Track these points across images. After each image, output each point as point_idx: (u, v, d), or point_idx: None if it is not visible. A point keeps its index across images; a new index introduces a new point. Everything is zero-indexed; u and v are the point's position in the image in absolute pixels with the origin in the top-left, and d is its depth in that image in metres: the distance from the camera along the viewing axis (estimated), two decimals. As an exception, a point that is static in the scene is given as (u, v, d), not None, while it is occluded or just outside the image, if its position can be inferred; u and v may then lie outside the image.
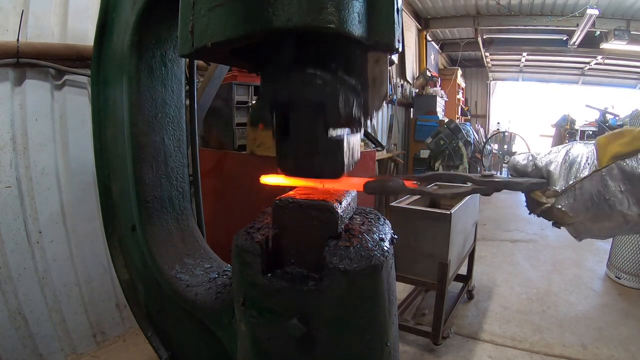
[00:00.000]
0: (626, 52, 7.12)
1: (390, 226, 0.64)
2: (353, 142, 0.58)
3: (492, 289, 2.88)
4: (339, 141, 0.53)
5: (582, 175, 0.49)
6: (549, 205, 0.52)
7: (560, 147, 0.55)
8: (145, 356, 1.95)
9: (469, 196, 2.25)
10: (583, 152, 0.51)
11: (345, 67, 0.52)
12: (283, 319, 0.53)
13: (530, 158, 0.56)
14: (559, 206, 0.51)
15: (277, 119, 0.54)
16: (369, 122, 0.57)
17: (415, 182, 0.58)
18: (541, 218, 0.58)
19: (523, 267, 3.34)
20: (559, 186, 0.51)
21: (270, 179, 0.63)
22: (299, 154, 0.56)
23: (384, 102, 0.57)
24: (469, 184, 0.57)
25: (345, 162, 0.55)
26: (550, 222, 0.55)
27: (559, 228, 0.55)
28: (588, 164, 0.50)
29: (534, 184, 0.54)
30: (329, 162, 0.54)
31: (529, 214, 0.58)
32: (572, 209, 0.50)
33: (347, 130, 0.55)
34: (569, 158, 0.52)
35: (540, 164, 0.54)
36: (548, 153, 0.55)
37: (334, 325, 0.54)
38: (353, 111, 0.50)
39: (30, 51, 1.63)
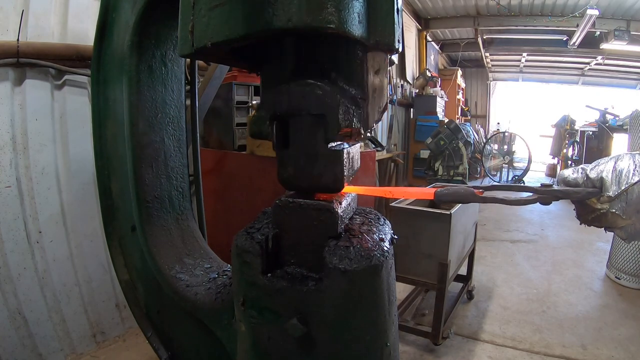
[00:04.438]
0: (626, 53, 7.13)
1: (390, 226, 0.64)
2: (353, 152, 0.58)
3: (492, 289, 2.88)
4: (338, 152, 0.53)
5: (633, 181, 0.55)
6: (604, 210, 0.56)
7: (607, 158, 0.61)
8: (145, 356, 1.95)
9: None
10: (631, 161, 0.57)
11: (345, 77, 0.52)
12: (283, 319, 0.53)
13: (581, 170, 0.61)
14: (613, 210, 0.55)
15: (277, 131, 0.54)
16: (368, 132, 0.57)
17: (480, 190, 0.61)
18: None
19: (523, 268, 3.34)
20: (612, 192, 0.56)
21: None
22: (298, 167, 0.55)
23: (383, 114, 0.58)
24: (532, 194, 0.60)
25: (345, 174, 0.55)
26: (603, 228, 0.59)
27: (612, 232, 0.60)
28: (637, 171, 0.55)
29: (590, 193, 0.58)
30: (329, 174, 0.54)
31: (580, 223, 0.62)
32: (624, 212, 0.54)
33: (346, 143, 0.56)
34: (618, 167, 0.57)
35: (593, 175, 0.59)
36: (597, 165, 0.61)
37: (334, 325, 0.54)
38: (353, 122, 0.50)
39: (31, 51, 1.63)
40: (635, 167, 0.55)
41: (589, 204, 0.58)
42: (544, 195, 0.59)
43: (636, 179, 0.54)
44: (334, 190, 0.56)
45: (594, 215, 0.57)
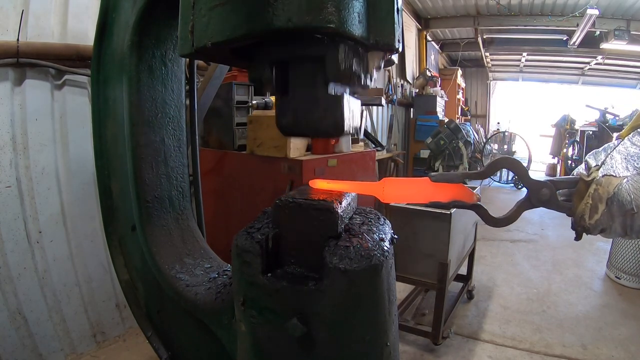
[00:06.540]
0: (626, 52, 7.13)
1: (390, 226, 0.64)
2: (353, 104, 0.56)
3: (492, 289, 2.88)
4: (338, 97, 0.51)
5: (614, 144, 0.57)
6: (596, 178, 0.56)
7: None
8: (145, 356, 1.95)
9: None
10: (608, 145, 0.60)
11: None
12: (283, 319, 0.53)
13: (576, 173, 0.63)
14: (604, 173, 0.56)
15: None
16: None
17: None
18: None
19: (523, 267, 3.34)
20: (597, 162, 0.58)
21: (324, 184, 0.62)
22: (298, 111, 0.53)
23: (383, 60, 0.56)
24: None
25: (346, 120, 0.52)
26: (601, 231, 0.58)
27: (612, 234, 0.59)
28: (615, 143, 0.58)
29: (573, 178, 0.60)
30: (329, 118, 0.51)
31: (578, 234, 0.60)
32: (614, 171, 0.55)
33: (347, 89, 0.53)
34: (597, 151, 0.60)
35: (581, 170, 0.61)
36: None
37: (334, 325, 0.54)
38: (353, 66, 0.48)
39: (30, 51, 1.63)
40: (612, 144, 0.58)
41: (580, 186, 0.57)
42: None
43: (616, 142, 0.57)
44: (333, 135, 0.54)
45: (590, 204, 0.55)
